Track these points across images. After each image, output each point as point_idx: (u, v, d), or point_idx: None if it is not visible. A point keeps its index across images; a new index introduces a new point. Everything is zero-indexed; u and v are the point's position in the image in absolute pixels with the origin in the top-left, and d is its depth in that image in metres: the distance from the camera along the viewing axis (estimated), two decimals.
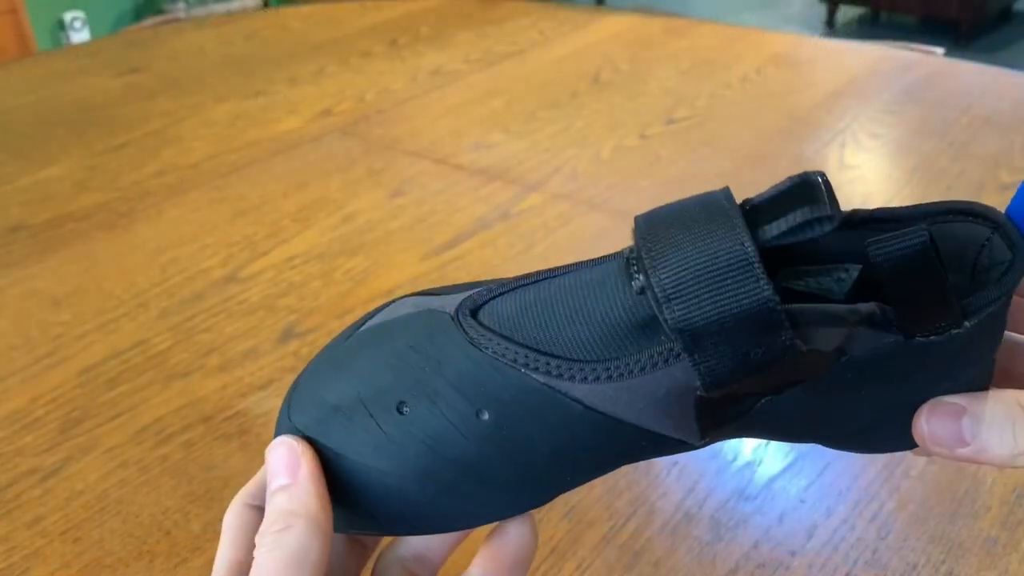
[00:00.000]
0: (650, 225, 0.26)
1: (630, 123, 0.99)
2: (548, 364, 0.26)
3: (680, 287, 0.24)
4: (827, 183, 0.24)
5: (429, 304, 0.29)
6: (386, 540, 0.32)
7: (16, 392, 0.60)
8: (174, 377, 0.61)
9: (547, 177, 0.87)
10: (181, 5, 3.31)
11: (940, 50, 1.22)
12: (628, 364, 0.26)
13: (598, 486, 0.50)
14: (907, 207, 0.27)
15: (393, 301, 0.31)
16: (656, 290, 0.24)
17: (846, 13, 3.93)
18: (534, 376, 0.26)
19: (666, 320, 0.24)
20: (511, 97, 1.07)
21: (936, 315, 0.25)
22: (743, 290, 0.24)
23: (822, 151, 0.91)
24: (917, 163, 0.87)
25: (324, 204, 0.83)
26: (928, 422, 0.26)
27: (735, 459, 0.52)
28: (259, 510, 0.29)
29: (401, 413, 0.27)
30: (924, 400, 0.27)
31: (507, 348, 0.26)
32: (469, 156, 0.92)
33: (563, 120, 1.00)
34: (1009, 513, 0.48)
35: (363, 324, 0.30)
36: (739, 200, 0.26)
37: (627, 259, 0.27)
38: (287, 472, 0.27)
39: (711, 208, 0.25)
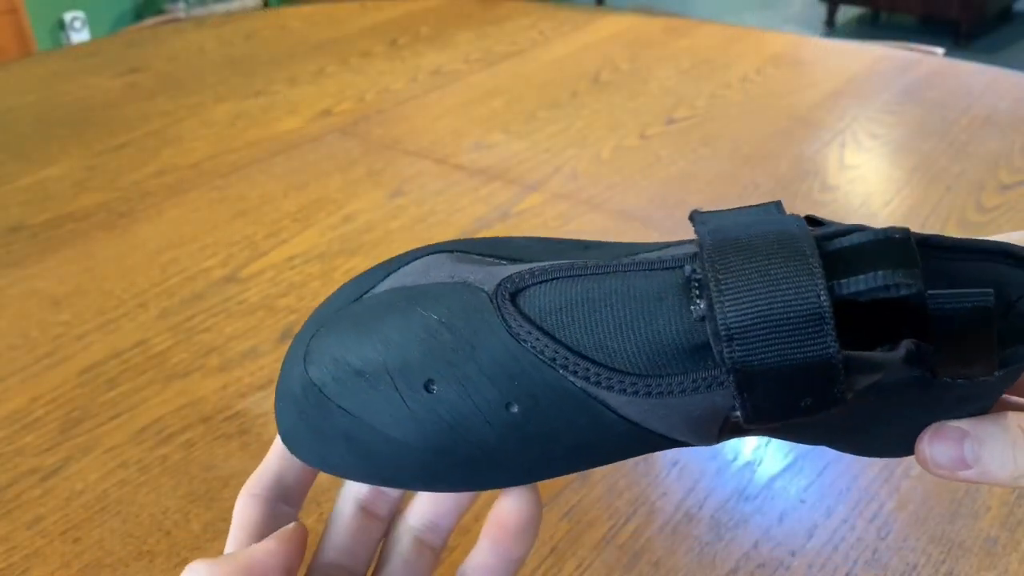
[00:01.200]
0: (718, 248, 0.25)
1: (630, 123, 0.99)
2: (588, 370, 0.26)
3: (745, 329, 0.23)
4: (911, 244, 0.24)
5: (465, 276, 0.28)
6: (397, 512, 0.32)
7: (16, 392, 0.60)
8: (174, 377, 0.61)
9: (547, 177, 0.87)
10: (181, 5, 3.31)
11: (940, 50, 1.22)
12: (670, 384, 0.25)
13: (598, 486, 0.50)
14: (962, 240, 0.27)
15: (421, 253, 0.30)
16: (719, 326, 0.24)
17: (846, 13, 3.93)
18: (572, 379, 0.26)
19: (723, 357, 0.24)
20: (511, 97, 1.07)
21: (974, 366, 0.25)
22: (809, 344, 0.23)
23: (822, 151, 0.91)
24: (917, 163, 0.87)
25: (324, 204, 0.83)
26: (930, 446, 0.27)
27: (735, 459, 0.52)
28: (264, 501, 0.30)
29: (429, 391, 0.26)
30: (934, 419, 0.27)
31: (547, 345, 0.26)
32: (469, 156, 0.92)
33: (563, 120, 1.00)
34: (1009, 513, 0.48)
35: (387, 275, 0.29)
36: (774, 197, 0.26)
37: (688, 278, 0.26)
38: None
39: (788, 245, 0.24)
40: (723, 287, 0.24)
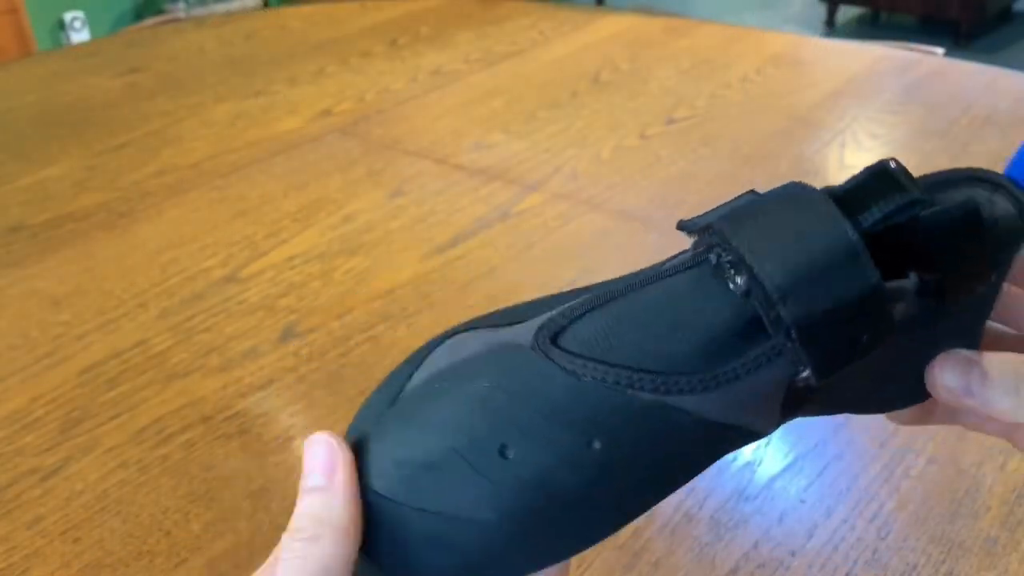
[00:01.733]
0: (736, 224, 0.25)
1: (630, 123, 0.99)
2: (654, 381, 0.25)
3: (794, 285, 0.24)
4: (905, 169, 0.26)
5: (497, 340, 0.28)
6: None
7: (16, 392, 0.60)
8: (174, 377, 0.61)
9: (547, 177, 0.87)
10: (181, 5, 3.31)
11: (940, 50, 1.22)
12: (735, 369, 0.26)
13: None
14: (932, 174, 0.29)
15: (439, 340, 0.29)
16: (769, 290, 0.24)
17: (846, 13, 3.93)
18: (642, 395, 0.25)
19: (782, 319, 0.24)
20: (511, 97, 1.07)
21: (974, 278, 0.26)
22: (854, 279, 0.24)
23: (822, 151, 0.91)
24: (917, 163, 0.87)
25: (324, 204, 0.83)
26: (941, 370, 0.29)
27: (735, 459, 0.52)
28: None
29: (505, 457, 0.25)
30: (939, 352, 0.29)
31: (607, 372, 0.26)
32: (469, 156, 0.92)
33: (563, 120, 1.00)
34: (1009, 513, 0.48)
35: (414, 370, 0.28)
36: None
37: (717, 264, 0.26)
38: (323, 473, 0.26)
39: (799, 200, 0.25)
40: (757, 254, 0.24)
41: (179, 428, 0.56)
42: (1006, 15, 3.81)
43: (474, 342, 0.28)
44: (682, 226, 0.28)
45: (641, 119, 0.99)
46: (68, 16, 3.24)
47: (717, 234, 0.26)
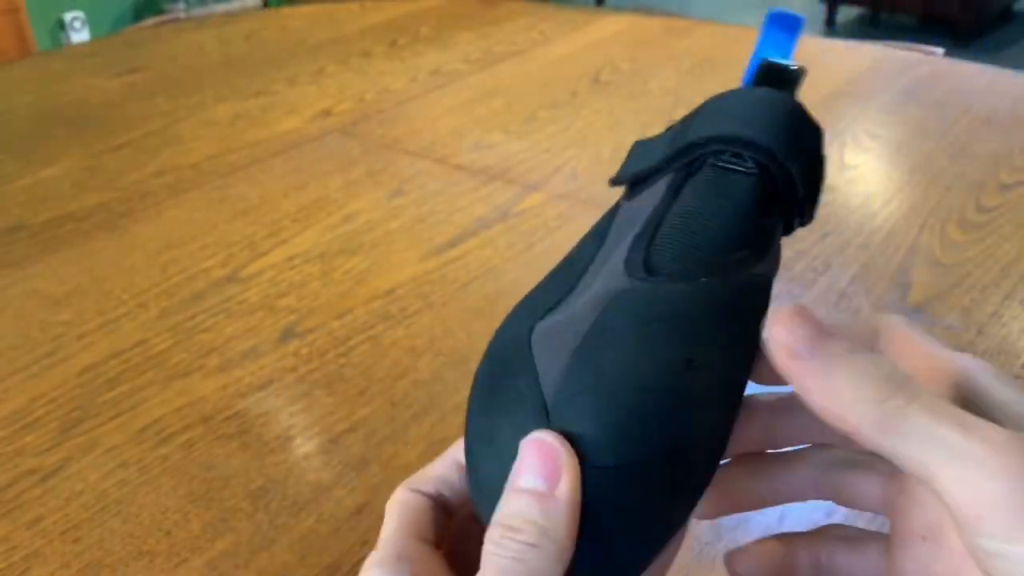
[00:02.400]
0: (715, 126, 0.31)
1: (630, 123, 0.99)
2: (738, 260, 0.29)
3: (791, 147, 0.30)
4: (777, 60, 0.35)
5: (594, 299, 0.28)
6: None
7: (16, 392, 0.60)
8: (174, 377, 0.61)
9: (547, 177, 0.87)
10: (181, 5, 3.31)
11: (940, 50, 1.22)
12: (768, 233, 0.30)
13: None
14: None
15: (521, 342, 0.28)
16: (782, 158, 0.30)
17: (846, 13, 3.93)
18: (745, 271, 0.29)
19: (793, 177, 0.30)
20: (511, 97, 1.07)
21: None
22: (813, 132, 0.31)
23: None
24: (917, 163, 0.87)
25: (324, 204, 0.83)
26: (791, 317, 0.26)
27: None
28: (425, 496, 0.28)
29: (694, 368, 0.26)
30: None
31: (709, 266, 0.28)
32: (469, 156, 0.92)
33: (563, 120, 1.00)
34: None
35: (532, 379, 0.27)
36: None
37: (717, 165, 0.31)
38: (546, 477, 0.24)
39: (742, 96, 0.33)
40: (758, 134, 0.30)
41: (179, 428, 0.56)
42: (1006, 15, 3.81)
43: (564, 318, 0.28)
44: (618, 179, 0.32)
45: (641, 119, 0.99)
46: (68, 16, 3.24)
47: (712, 140, 0.30)
